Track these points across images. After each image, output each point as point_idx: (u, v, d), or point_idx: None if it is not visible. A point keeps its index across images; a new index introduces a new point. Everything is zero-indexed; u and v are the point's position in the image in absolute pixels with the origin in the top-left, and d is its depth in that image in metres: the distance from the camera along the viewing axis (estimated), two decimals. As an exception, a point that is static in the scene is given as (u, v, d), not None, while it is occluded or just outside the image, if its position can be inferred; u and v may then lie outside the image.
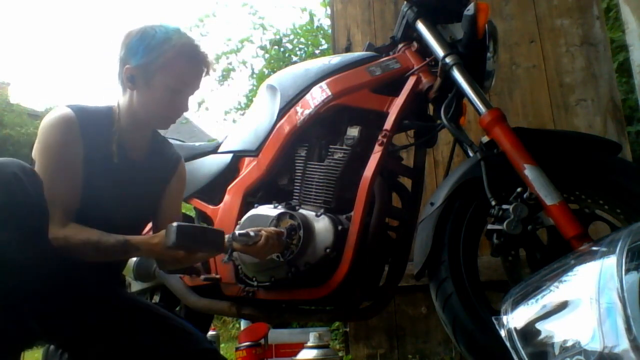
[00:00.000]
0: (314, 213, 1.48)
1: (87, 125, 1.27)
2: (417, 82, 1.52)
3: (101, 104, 1.38)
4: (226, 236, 1.37)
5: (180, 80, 1.31)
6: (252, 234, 1.33)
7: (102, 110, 1.34)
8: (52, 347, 1.47)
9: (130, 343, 1.34)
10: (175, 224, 1.16)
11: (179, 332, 1.39)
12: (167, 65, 1.28)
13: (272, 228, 1.40)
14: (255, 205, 1.64)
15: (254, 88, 5.48)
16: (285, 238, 1.42)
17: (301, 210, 1.50)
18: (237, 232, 1.33)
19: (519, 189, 1.28)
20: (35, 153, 1.25)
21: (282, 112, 1.66)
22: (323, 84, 1.59)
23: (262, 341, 2.23)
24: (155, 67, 1.28)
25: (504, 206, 1.26)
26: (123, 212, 1.31)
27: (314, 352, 1.81)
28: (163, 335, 1.37)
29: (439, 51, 1.47)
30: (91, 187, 1.26)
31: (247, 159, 1.77)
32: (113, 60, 1.35)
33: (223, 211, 1.72)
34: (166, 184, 1.47)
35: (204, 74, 1.36)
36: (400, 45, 1.63)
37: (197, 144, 1.98)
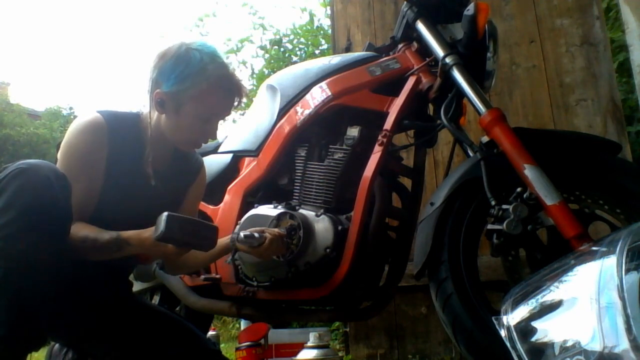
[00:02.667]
0: (314, 213, 1.48)
1: (115, 132, 1.27)
2: (417, 82, 1.52)
3: (129, 109, 1.38)
4: (230, 237, 1.37)
5: (211, 111, 1.30)
6: (256, 235, 1.32)
7: (130, 118, 1.34)
8: (56, 346, 1.48)
9: (135, 343, 1.35)
10: (165, 213, 1.09)
11: (183, 333, 1.40)
12: (199, 97, 1.26)
13: (276, 229, 1.40)
14: (255, 205, 1.64)
15: (254, 88, 5.49)
16: (285, 238, 1.42)
17: (301, 210, 1.50)
18: (241, 233, 1.32)
19: (519, 189, 1.28)
20: (59, 153, 1.25)
21: (282, 112, 1.66)
22: (323, 84, 1.59)
23: (262, 341, 2.23)
24: (186, 97, 1.25)
25: (504, 206, 1.26)
26: (142, 218, 1.30)
27: (314, 352, 1.81)
28: (167, 336, 1.38)
29: (439, 51, 1.47)
30: (112, 193, 1.26)
31: (247, 159, 1.77)
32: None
33: (223, 211, 1.72)
34: (187, 189, 1.48)
35: (236, 104, 1.34)
36: (400, 45, 1.63)
37: (197, 144, 1.98)
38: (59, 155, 1.25)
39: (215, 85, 1.27)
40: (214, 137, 1.36)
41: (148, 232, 1.17)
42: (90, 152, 1.24)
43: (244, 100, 1.34)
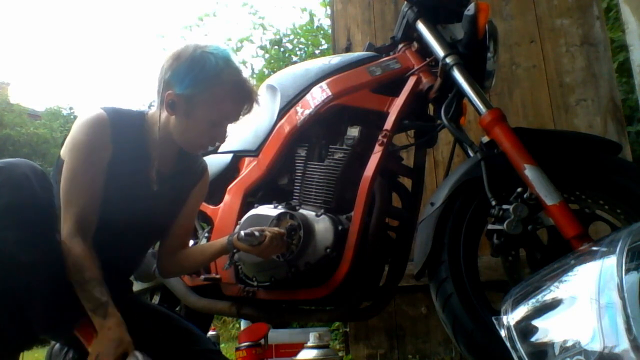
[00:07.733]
0: (314, 213, 1.48)
1: (118, 130, 1.25)
2: (418, 82, 1.52)
3: (134, 107, 1.37)
4: (227, 237, 1.37)
5: (222, 116, 1.29)
6: (256, 233, 1.32)
7: (135, 117, 1.33)
8: (56, 346, 1.47)
9: (135, 343, 1.35)
10: None
11: (184, 332, 1.40)
12: (212, 101, 1.25)
13: (276, 228, 1.40)
14: (256, 205, 1.64)
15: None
16: (285, 238, 1.42)
17: (301, 210, 1.50)
18: (242, 232, 1.32)
19: (519, 189, 1.28)
20: (64, 151, 1.24)
21: (282, 112, 1.66)
22: (323, 84, 1.59)
23: (262, 341, 2.23)
24: (199, 100, 1.25)
25: (504, 206, 1.26)
26: (142, 218, 1.30)
27: (314, 352, 1.81)
28: (168, 335, 1.37)
29: (439, 51, 1.47)
30: (114, 192, 1.25)
31: (247, 159, 1.77)
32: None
33: (223, 211, 1.72)
34: (190, 191, 1.47)
35: (247, 109, 1.34)
36: (400, 46, 1.63)
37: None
38: (65, 153, 1.24)
39: (229, 90, 1.26)
40: (222, 141, 1.36)
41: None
42: (93, 148, 1.23)
43: (255, 105, 1.34)
